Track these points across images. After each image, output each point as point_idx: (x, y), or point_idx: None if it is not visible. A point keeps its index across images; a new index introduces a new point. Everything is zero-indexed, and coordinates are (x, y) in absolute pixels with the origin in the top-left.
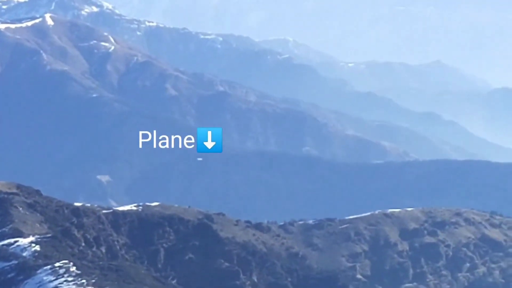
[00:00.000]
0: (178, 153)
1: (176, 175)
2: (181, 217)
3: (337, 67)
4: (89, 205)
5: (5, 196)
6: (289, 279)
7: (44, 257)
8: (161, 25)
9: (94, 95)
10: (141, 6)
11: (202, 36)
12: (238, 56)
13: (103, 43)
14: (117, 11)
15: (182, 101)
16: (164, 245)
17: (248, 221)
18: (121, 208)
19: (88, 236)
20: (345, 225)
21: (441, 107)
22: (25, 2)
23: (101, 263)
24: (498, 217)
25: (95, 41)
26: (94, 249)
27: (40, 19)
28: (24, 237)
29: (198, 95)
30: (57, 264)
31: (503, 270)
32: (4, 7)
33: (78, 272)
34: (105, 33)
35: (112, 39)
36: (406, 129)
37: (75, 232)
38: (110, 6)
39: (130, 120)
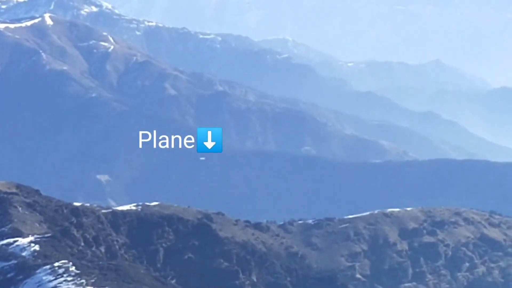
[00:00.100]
0: (177, 152)
1: (175, 175)
2: (180, 217)
3: (336, 66)
4: (88, 204)
5: (4, 195)
6: (289, 279)
7: (44, 257)
8: (160, 25)
9: (93, 95)
10: (140, 6)
11: (201, 36)
12: (237, 56)
13: (102, 43)
14: (116, 11)
15: (181, 101)
16: (164, 244)
17: (247, 221)
18: (120, 208)
19: (88, 236)
20: (344, 225)
21: (440, 107)
22: (24, 2)
23: (100, 262)
24: (497, 217)
25: (94, 41)
26: (93, 248)
27: (39, 19)
28: (24, 237)
29: (197, 95)
30: (56, 264)
31: (503, 270)
32: (3, 6)
33: (78, 271)
34: (104, 33)
35: (111, 39)
36: (405, 128)
37: (75, 232)
38: (109, 6)
39: (130, 120)
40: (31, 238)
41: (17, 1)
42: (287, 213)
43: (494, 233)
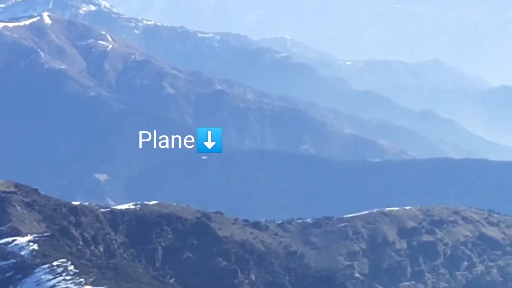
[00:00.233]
0: (175, 152)
1: (174, 174)
2: (179, 216)
3: (335, 65)
4: (87, 203)
5: (3, 195)
6: (287, 278)
7: (42, 256)
8: (158, 24)
9: (92, 94)
10: (138, 5)
11: (199, 35)
12: (236, 55)
13: (100, 42)
14: (114, 10)
15: (180, 100)
16: (162, 243)
17: (246, 220)
18: (119, 207)
19: (86, 235)
20: (343, 224)
21: (439, 106)
22: (22, 1)
23: (99, 261)
24: (496, 216)
25: (92, 40)
26: (92, 247)
27: (38, 18)
28: (22, 236)
29: (196, 94)
30: (55, 263)
31: (501, 269)
32: (1, 5)
33: (76, 270)
34: (103, 32)
35: (109, 38)
36: (404, 127)
37: (73, 231)
38: (107, 5)
39: (128, 119)
40: (29, 237)
41: (15, 0)
42: (285, 212)
43: (492, 232)
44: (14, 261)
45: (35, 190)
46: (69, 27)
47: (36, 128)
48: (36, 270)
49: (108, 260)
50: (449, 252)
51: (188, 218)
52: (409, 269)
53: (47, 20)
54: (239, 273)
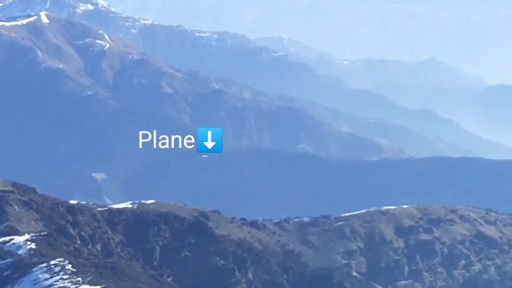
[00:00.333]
0: (173, 151)
1: (171, 173)
2: (176, 215)
3: (332, 64)
4: (84, 203)
5: (1, 194)
6: (285, 277)
7: (40, 255)
8: (156, 23)
9: (89, 93)
10: (136, 4)
11: (197, 34)
12: (233, 54)
13: (98, 41)
14: (112, 9)
15: (177, 99)
16: (160, 242)
17: (243, 219)
18: (116, 206)
19: (84, 234)
20: (340, 223)
21: (436, 105)
22: (20, 0)
23: (96, 260)
24: (493, 214)
25: (90, 39)
26: (89, 246)
27: (35, 17)
28: (20, 235)
29: (193, 93)
30: (52, 262)
31: (499, 267)
32: None
33: (74, 269)
34: (100, 31)
35: (107, 37)
36: (401, 126)
37: (71, 230)
38: (105, 4)
39: (125, 118)
40: (27, 236)
41: None
42: (283, 211)
43: (490, 231)
44: (11, 260)
45: (33, 189)
46: (67, 27)
47: (33, 127)
48: (34, 269)
49: (105, 259)
50: (446, 250)
51: (186, 217)
52: (406, 268)
53: (45, 20)
54: (237, 272)
